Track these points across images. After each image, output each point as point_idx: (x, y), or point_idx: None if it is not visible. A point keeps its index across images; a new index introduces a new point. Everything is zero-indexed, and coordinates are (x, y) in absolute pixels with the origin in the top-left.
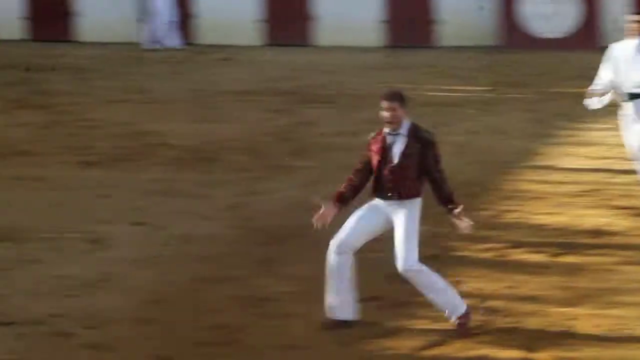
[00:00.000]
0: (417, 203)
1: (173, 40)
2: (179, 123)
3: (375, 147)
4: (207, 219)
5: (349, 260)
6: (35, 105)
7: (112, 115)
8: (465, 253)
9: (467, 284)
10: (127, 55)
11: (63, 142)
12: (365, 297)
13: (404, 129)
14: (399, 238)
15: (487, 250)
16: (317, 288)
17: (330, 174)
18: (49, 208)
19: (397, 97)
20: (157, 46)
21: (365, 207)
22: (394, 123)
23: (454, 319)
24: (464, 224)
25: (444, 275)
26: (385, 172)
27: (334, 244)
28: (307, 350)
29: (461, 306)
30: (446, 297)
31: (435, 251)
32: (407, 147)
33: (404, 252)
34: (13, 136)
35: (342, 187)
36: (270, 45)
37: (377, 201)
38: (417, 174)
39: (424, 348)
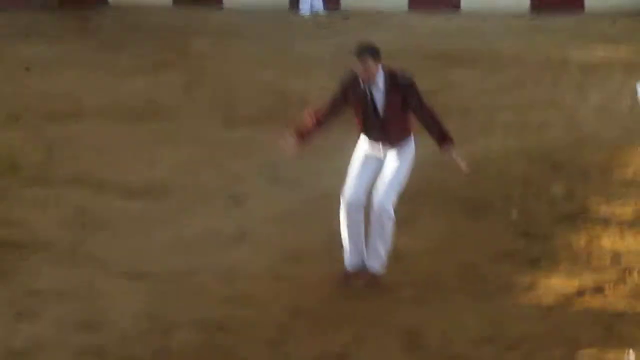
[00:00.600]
0: (410, 143)
1: (320, 5)
2: (321, 84)
3: (354, 99)
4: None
5: (361, 215)
6: (180, 67)
7: (255, 76)
8: (601, 212)
9: (602, 242)
10: (271, 19)
11: (207, 103)
12: (499, 253)
13: (380, 81)
14: (386, 176)
15: (623, 208)
16: (450, 244)
17: (470, 133)
18: (191, 166)
19: (367, 51)
20: (307, 12)
21: (360, 157)
22: (368, 77)
23: (378, 270)
24: (462, 164)
25: (580, 233)
26: (371, 124)
27: (344, 202)
28: (442, 305)
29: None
30: (386, 250)
31: (571, 209)
32: (388, 99)
33: (387, 193)
34: (158, 97)
35: (307, 122)
36: (416, 9)
37: (369, 145)
38: (404, 118)
39: (559, 304)
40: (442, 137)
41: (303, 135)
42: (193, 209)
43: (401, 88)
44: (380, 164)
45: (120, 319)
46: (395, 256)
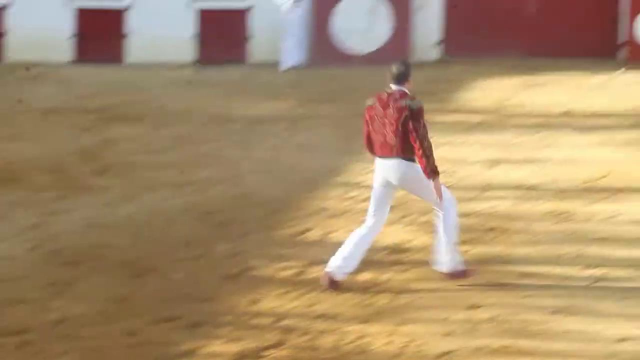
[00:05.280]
0: None
1: None
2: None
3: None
4: (6, 240)
5: None
6: None
7: None
8: (264, 272)
9: (264, 303)
10: None
11: None
12: (162, 318)
13: None
14: None
15: (286, 268)
16: (113, 308)
17: (132, 192)
18: None
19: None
20: None
21: None
22: None
23: None
24: None
25: (243, 294)
26: None
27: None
28: None
29: None
30: None
31: (234, 270)
32: None
33: None
34: None
35: None
36: (81, 61)
37: None
38: None
39: None
40: None
41: None
42: None
43: None
44: None
45: None
46: (56, 323)
